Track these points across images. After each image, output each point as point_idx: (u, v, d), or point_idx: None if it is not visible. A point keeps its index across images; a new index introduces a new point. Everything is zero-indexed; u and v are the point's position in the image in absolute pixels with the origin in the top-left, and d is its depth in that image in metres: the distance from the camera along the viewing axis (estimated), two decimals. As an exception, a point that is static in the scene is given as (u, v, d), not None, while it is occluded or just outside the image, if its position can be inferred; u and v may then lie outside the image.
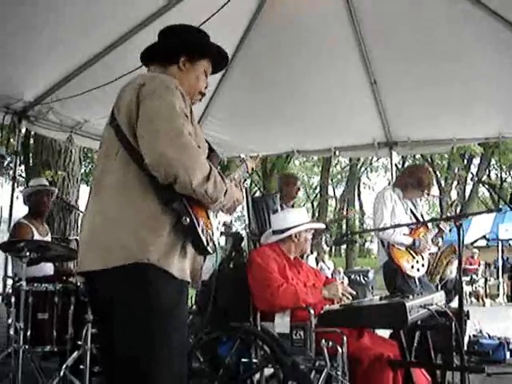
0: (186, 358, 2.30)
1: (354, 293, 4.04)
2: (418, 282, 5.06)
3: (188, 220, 2.16)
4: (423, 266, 5.21)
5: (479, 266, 20.93)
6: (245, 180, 3.32)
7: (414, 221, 5.30)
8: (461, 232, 3.64)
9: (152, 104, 2.18)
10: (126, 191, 2.19)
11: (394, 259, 5.02)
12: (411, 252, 5.12)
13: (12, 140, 8.16)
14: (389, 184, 5.60)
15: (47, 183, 6.03)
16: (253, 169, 3.52)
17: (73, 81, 5.64)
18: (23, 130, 6.92)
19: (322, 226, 4.53)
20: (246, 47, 6.02)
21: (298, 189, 6.57)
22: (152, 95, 2.19)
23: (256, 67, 6.33)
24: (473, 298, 18.80)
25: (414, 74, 6.10)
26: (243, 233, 3.96)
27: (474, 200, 31.02)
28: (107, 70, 5.25)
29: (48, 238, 5.68)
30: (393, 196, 5.23)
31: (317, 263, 16.97)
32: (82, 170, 16.36)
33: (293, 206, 6.23)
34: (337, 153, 7.80)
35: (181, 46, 2.51)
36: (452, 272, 5.91)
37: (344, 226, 36.81)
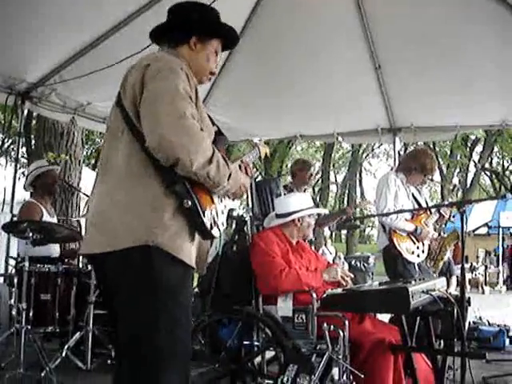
0: (189, 340, 2.30)
1: (353, 276, 4.05)
2: (417, 268, 5.06)
3: (190, 203, 2.15)
4: (423, 252, 5.21)
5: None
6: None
7: (416, 206, 5.30)
8: (464, 218, 3.65)
9: (155, 85, 2.16)
10: (132, 173, 2.18)
11: (395, 244, 5.02)
12: (412, 238, 5.12)
13: (14, 122, 8.16)
14: (391, 169, 5.57)
15: (46, 163, 6.06)
16: (266, 154, 3.50)
17: (76, 62, 5.61)
18: (26, 112, 6.89)
19: (325, 211, 4.53)
20: (250, 31, 5.99)
21: (311, 175, 6.54)
22: (156, 76, 2.18)
23: (260, 51, 6.31)
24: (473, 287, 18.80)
25: (419, 61, 6.07)
26: (246, 216, 3.95)
27: (476, 187, 31.03)
28: (111, 51, 5.21)
29: (54, 220, 5.71)
30: (396, 181, 5.21)
31: (316, 248, 16.97)
32: (85, 153, 16.36)
33: (304, 191, 6.21)
34: (340, 138, 7.78)
35: (192, 26, 2.48)
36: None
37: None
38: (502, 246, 21.37)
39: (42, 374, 4.26)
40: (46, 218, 5.50)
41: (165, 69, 2.20)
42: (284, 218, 4.13)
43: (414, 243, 5.12)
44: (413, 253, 5.08)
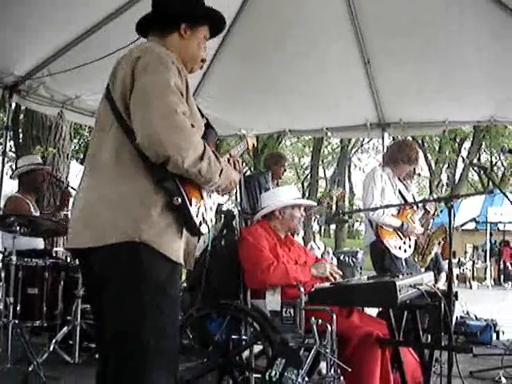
0: (177, 336, 2.29)
1: (341, 273, 4.06)
2: (404, 263, 5.09)
3: (180, 200, 2.13)
4: (410, 247, 5.24)
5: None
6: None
7: (403, 201, 5.32)
8: (452, 213, 3.66)
9: (146, 80, 2.12)
10: (120, 168, 2.16)
11: (382, 239, 5.04)
12: (399, 233, 5.14)
13: (2, 115, 8.11)
14: (378, 165, 5.59)
15: (41, 161, 6.03)
16: (253, 145, 3.48)
17: (65, 55, 5.58)
18: (13, 105, 6.85)
19: (305, 202, 4.51)
20: (239, 25, 5.99)
21: (285, 169, 6.63)
22: (146, 70, 2.14)
23: (249, 46, 6.29)
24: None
25: (408, 56, 6.08)
26: (235, 211, 3.95)
27: (464, 183, 31.16)
28: (100, 44, 5.17)
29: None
30: (383, 176, 5.22)
31: (305, 243, 17.01)
32: (73, 147, 16.28)
33: (277, 185, 6.25)
34: (329, 133, 7.79)
35: (180, 12, 2.44)
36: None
37: (334, 207, 36.85)
38: (490, 241, 21.51)
39: (30, 368, 4.24)
40: (32, 213, 5.48)
41: (156, 62, 2.16)
42: (265, 210, 4.15)
43: (401, 238, 5.14)
44: (400, 248, 5.10)
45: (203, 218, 2.26)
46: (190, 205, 2.17)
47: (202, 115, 2.47)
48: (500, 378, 4.76)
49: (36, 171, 5.62)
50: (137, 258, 2.11)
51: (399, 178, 5.41)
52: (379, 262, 5.12)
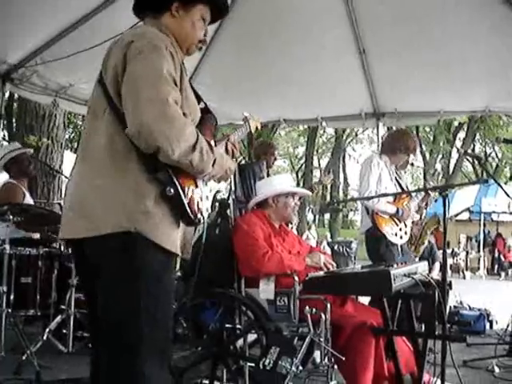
0: (171, 326, 2.28)
1: (335, 264, 4.06)
2: (399, 250, 5.10)
3: (172, 191, 2.11)
4: (406, 233, 5.24)
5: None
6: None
7: (399, 189, 5.33)
8: (446, 203, 3.66)
9: (137, 66, 2.08)
10: (113, 156, 2.12)
11: (378, 226, 5.03)
12: (395, 220, 5.15)
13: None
14: (375, 153, 5.59)
15: (20, 145, 5.98)
16: (257, 128, 3.43)
17: (59, 43, 5.55)
18: (7, 94, 6.80)
19: (299, 190, 4.49)
20: (235, 14, 5.92)
21: (275, 158, 6.62)
22: (138, 56, 2.09)
23: (244, 34, 6.26)
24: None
25: (404, 46, 6.08)
26: (229, 199, 3.94)
27: (458, 173, 31.25)
28: (94, 32, 5.14)
29: (31, 202, 5.66)
30: (380, 163, 5.22)
31: (298, 233, 17.03)
32: (67, 136, 16.22)
33: (268, 175, 6.24)
34: (323, 123, 7.79)
35: None
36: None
37: (328, 197, 36.94)
38: (484, 231, 21.60)
39: (23, 358, 4.23)
40: (28, 200, 5.47)
41: (148, 47, 2.11)
42: (259, 198, 4.14)
43: (397, 225, 5.15)
44: (396, 234, 5.11)
45: (198, 208, 2.23)
46: (184, 195, 2.14)
47: (200, 100, 2.43)
48: (493, 367, 4.78)
49: (19, 156, 5.57)
50: (132, 248, 2.09)
51: (396, 167, 5.42)
52: (375, 248, 5.12)
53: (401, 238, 5.15)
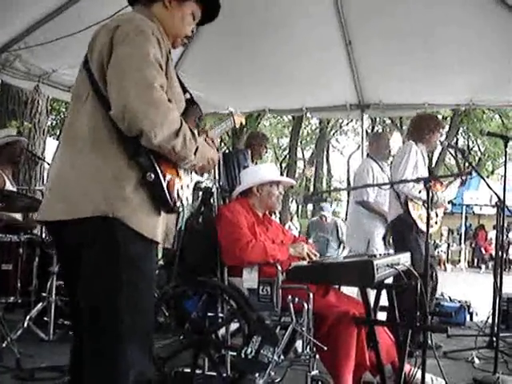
0: (153, 313, 2.27)
1: (318, 254, 4.06)
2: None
3: (153, 176, 2.09)
4: (436, 223, 5.26)
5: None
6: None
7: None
8: (430, 195, 3.69)
9: (123, 50, 2.07)
10: (95, 140, 2.10)
11: (411, 213, 5.02)
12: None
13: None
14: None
15: (15, 133, 5.94)
16: (241, 123, 3.44)
17: (42, 28, 5.47)
18: (-11, 79, 6.72)
19: (283, 179, 4.49)
20: (221, 3, 5.90)
21: (267, 149, 6.62)
22: (124, 40, 2.07)
23: (229, 23, 6.17)
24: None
25: (390, 38, 6.11)
26: (213, 188, 3.92)
27: (441, 167, 31.42)
28: (79, 17, 5.08)
29: (14, 189, 5.60)
30: (418, 151, 5.22)
31: (281, 223, 17.03)
32: (49, 123, 16.10)
33: (256, 164, 6.23)
34: (308, 113, 7.81)
35: None
36: None
37: (312, 188, 36.99)
38: (465, 224, 21.79)
39: (4, 345, 4.20)
40: (9, 187, 5.41)
41: (135, 32, 2.10)
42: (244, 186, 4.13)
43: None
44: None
45: (178, 196, 2.21)
46: (165, 181, 2.13)
47: (186, 90, 2.41)
48: (473, 358, 4.82)
49: (13, 144, 5.53)
50: (110, 233, 2.07)
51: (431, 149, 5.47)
52: (402, 236, 5.11)
53: (431, 226, 5.11)
